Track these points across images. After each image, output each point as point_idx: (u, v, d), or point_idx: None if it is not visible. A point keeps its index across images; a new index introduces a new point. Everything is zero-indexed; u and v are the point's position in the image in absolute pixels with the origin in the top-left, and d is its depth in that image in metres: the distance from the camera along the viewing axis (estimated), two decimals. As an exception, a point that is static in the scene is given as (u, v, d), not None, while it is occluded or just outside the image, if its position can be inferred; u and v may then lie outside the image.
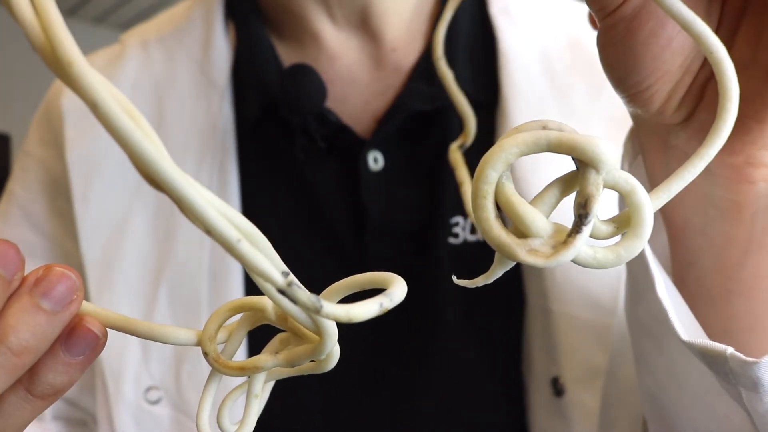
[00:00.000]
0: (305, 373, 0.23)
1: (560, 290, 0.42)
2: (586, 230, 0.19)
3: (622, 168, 0.32)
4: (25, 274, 0.21)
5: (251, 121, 0.47)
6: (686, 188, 0.28)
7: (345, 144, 0.45)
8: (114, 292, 0.45)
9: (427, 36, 0.48)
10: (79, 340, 0.21)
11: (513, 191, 0.19)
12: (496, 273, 0.20)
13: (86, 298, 0.46)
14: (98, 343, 0.22)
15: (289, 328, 0.21)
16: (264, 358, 0.21)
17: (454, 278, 0.21)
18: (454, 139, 0.45)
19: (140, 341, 0.44)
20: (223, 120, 0.47)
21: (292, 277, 0.17)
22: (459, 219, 0.45)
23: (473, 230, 0.45)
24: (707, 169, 0.27)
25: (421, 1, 0.49)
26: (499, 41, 0.47)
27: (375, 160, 0.45)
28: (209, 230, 0.15)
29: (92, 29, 3.14)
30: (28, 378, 0.21)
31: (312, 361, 0.21)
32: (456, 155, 0.42)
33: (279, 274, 0.16)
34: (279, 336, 0.22)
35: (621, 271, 0.45)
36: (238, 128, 0.47)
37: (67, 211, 0.48)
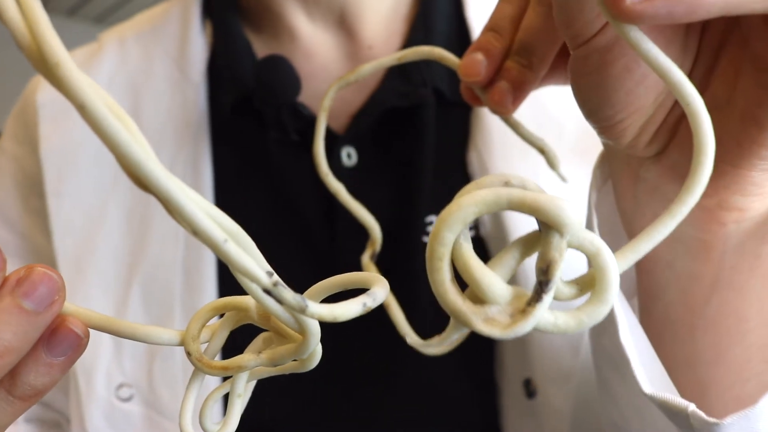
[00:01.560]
0: (288, 372, 0.23)
1: None
2: (547, 298, 0.18)
3: (590, 195, 0.31)
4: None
5: (225, 113, 0.47)
6: (654, 217, 0.28)
7: None
8: (87, 287, 0.45)
9: (404, 35, 0.48)
10: (61, 340, 0.21)
11: (470, 253, 0.18)
12: (450, 337, 0.20)
13: None
14: (80, 343, 0.22)
15: (272, 327, 0.21)
16: (247, 357, 0.21)
17: (407, 339, 0.20)
18: (429, 136, 0.45)
19: (112, 337, 0.44)
20: (197, 113, 0.47)
21: (276, 277, 0.17)
22: (433, 218, 0.45)
23: None
24: None
25: (399, 2, 0.49)
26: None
27: (348, 156, 0.45)
28: (196, 231, 0.16)
29: (92, 29, 3.10)
30: (9, 379, 0.21)
31: (294, 360, 0.22)
32: (371, 271, 0.40)
33: (264, 274, 0.17)
34: (261, 335, 0.22)
35: None
36: (212, 121, 0.48)
37: (41, 209, 0.48)
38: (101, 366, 0.44)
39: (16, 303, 0.20)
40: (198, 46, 0.49)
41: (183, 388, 0.43)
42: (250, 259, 0.16)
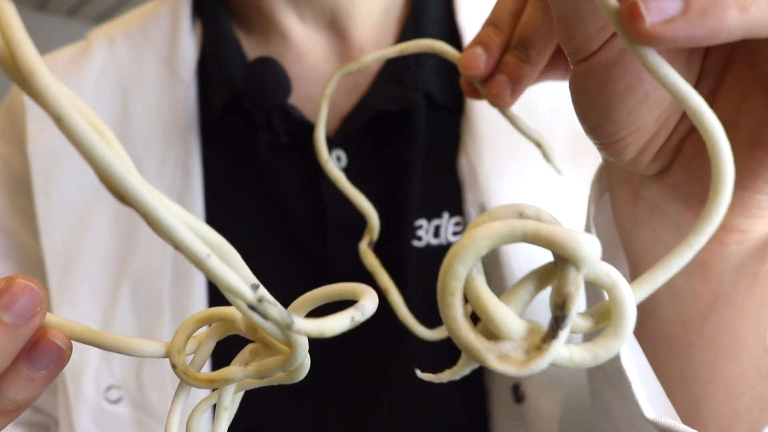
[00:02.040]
0: (275, 384, 0.22)
1: None
2: (563, 334, 0.17)
3: (589, 209, 0.31)
4: None
5: (215, 114, 0.47)
6: (652, 236, 0.28)
7: (308, 140, 0.45)
8: (75, 288, 0.44)
9: (395, 38, 0.48)
10: (42, 353, 0.21)
11: (483, 287, 0.18)
12: (463, 371, 0.19)
13: (45, 290, 0.45)
14: (62, 356, 0.21)
15: (259, 339, 0.21)
16: (234, 369, 0.21)
17: (418, 372, 0.20)
18: (419, 140, 0.45)
19: None
20: (187, 114, 0.47)
21: (262, 290, 0.17)
22: (423, 222, 0.45)
23: (437, 234, 0.45)
24: (677, 226, 0.27)
25: (390, 4, 0.49)
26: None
27: (338, 159, 0.45)
28: (178, 246, 0.15)
29: (92, 29, 3.08)
30: None
31: (282, 371, 0.21)
32: (369, 257, 0.39)
33: (249, 289, 0.16)
34: (248, 347, 0.22)
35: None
36: (202, 122, 0.47)
37: (28, 209, 0.47)
38: (90, 368, 0.43)
39: None
40: (188, 45, 0.48)
41: (172, 390, 0.42)
42: (234, 275, 0.16)
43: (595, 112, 0.25)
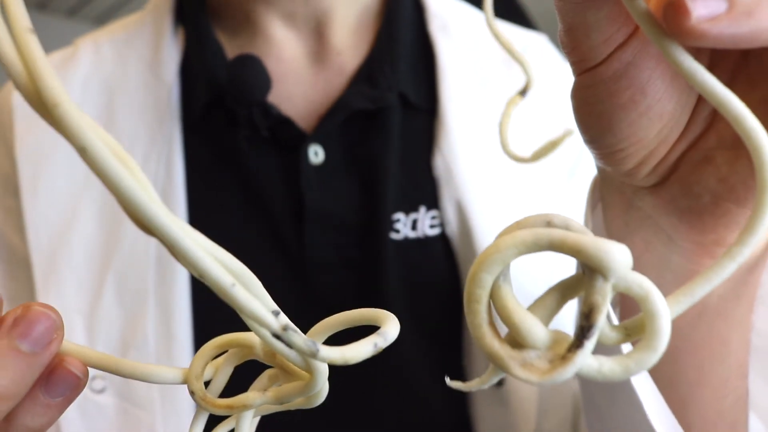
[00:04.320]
0: (293, 408, 0.22)
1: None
2: (589, 345, 0.17)
3: (585, 220, 0.31)
4: None
5: (198, 112, 0.48)
6: (644, 246, 0.28)
7: (287, 136, 0.47)
8: (61, 281, 0.45)
9: (371, 43, 0.51)
10: (59, 381, 0.21)
11: (509, 296, 0.18)
12: (491, 380, 0.19)
13: (32, 289, 0.46)
14: (79, 384, 0.21)
15: (278, 364, 0.21)
16: (252, 395, 0.21)
17: (447, 380, 0.20)
18: (394, 138, 0.47)
19: (86, 328, 0.44)
20: (170, 113, 0.48)
21: (284, 318, 0.17)
22: (400, 216, 0.46)
23: (414, 227, 0.46)
24: (669, 238, 0.27)
25: (366, 14, 0.51)
26: (437, 55, 0.50)
27: (315, 154, 0.47)
28: (203, 275, 0.15)
29: (93, 30, 3.09)
30: (5, 421, 0.21)
31: (301, 397, 0.21)
32: (513, 101, 0.39)
33: (273, 317, 0.16)
34: (267, 372, 0.22)
35: (555, 270, 0.47)
36: (184, 120, 0.49)
37: (15, 208, 0.48)
38: None
39: (13, 345, 0.19)
40: (171, 49, 0.50)
41: None
42: (258, 304, 0.15)
43: (596, 123, 0.25)
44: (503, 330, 0.18)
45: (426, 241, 0.46)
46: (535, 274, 0.44)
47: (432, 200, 0.47)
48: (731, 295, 0.27)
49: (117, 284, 0.45)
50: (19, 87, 0.16)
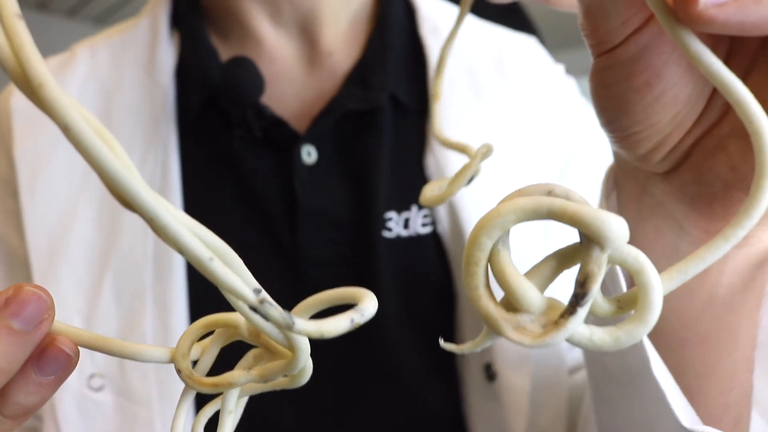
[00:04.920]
0: (279, 388, 0.23)
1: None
2: (582, 312, 0.17)
3: (600, 204, 0.31)
4: None
5: (192, 113, 0.49)
6: (655, 233, 0.28)
7: (280, 136, 0.48)
8: (59, 281, 0.46)
9: (363, 45, 0.51)
10: (50, 360, 0.21)
11: (507, 260, 0.18)
12: (484, 343, 0.19)
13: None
14: (70, 362, 0.22)
15: (262, 344, 0.21)
16: (237, 374, 0.21)
17: (441, 342, 0.20)
18: (386, 137, 0.48)
19: (84, 327, 0.45)
20: (165, 115, 0.49)
21: (264, 294, 0.17)
22: (392, 214, 0.47)
23: (406, 225, 0.47)
24: (680, 226, 0.27)
25: (357, 17, 0.52)
26: (428, 57, 0.51)
27: (308, 154, 0.48)
28: (181, 250, 0.16)
29: (93, 30, 3.12)
30: None
31: (285, 376, 0.22)
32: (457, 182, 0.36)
33: (251, 292, 0.17)
34: (252, 352, 0.22)
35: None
36: (180, 121, 0.50)
37: (14, 209, 0.49)
38: None
39: (5, 323, 0.20)
40: (166, 52, 0.51)
41: (154, 374, 0.44)
42: (236, 277, 0.16)
43: (612, 106, 0.25)
44: (499, 295, 0.19)
45: (418, 239, 0.47)
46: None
47: None
48: (740, 288, 0.28)
49: (115, 283, 0.46)
50: (6, 69, 0.16)
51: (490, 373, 0.45)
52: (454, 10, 0.56)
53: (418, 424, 0.46)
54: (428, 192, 0.34)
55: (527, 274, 0.19)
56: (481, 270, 0.18)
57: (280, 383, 0.22)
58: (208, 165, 0.49)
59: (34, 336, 0.21)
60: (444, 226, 0.47)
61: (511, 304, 0.18)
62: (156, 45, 0.51)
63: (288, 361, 0.20)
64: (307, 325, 0.17)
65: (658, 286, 0.17)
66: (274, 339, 0.19)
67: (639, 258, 0.17)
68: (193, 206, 0.48)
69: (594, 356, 0.34)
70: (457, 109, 0.50)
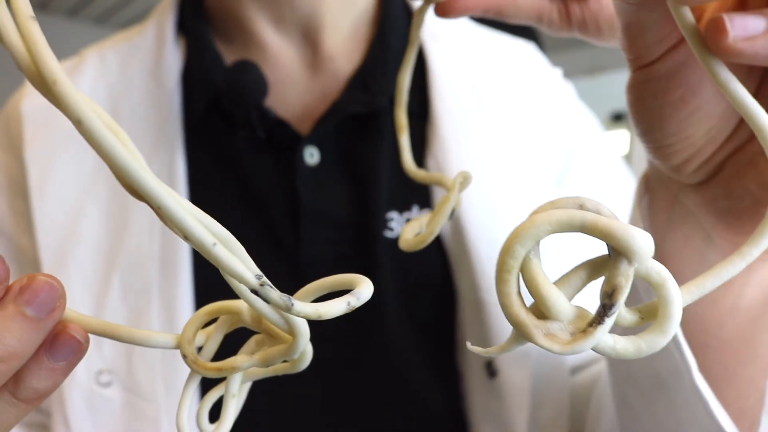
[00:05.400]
0: (281, 374, 0.24)
1: (490, 282, 0.46)
2: (609, 321, 0.18)
3: (633, 210, 0.32)
4: None
5: (198, 117, 0.50)
6: (684, 240, 0.29)
7: (283, 138, 0.49)
8: (68, 279, 0.47)
9: (364, 51, 0.52)
10: (62, 346, 0.22)
11: (539, 269, 0.19)
12: (511, 347, 0.20)
13: None
14: (81, 348, 0.23)
15: (264, 330, 0.22)
16: (240, 359, 0.22)
17: (468, 344, 0.21)
18: (387, 140, 0.49)
19: None
20: (172, 118, 0.50)
21: (264, 279, 0.18)
22: (394, 214, 0.48)
23: None
24: (708, 236, 0.28)
25: (359, 22, 0.53)
26: (428, 62, 0.52)
27: (311, 155, 0.49)
28: (187, 235, 0.17)
29: (93, 30, 3.14)
30: (13, 383, 0.22)
31: (286, 361, 0.23)
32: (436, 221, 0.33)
33: (252, 276, 0.18)
34: (254, 338, 0.23)
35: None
36: (186, 123, 0.51)
37: (23, 210, 0.50)
38: None
39: (19, 310, 0.21)
40: (172, 58, 0.52)
41: (161, 369, 0.45)
42: (238, 261, 0.17)
43: (647, 118, 0.26)
44: (528, 302, 0.20)
45: (420, 239, 0.48)
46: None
47: (425, 200, 0.49)
48: (762, 300, 0.28)
49: (122, 282, 0.47)
50: (22, 68, 0.17)
51: (491, 370, 0.45)
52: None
53: (419, 422, 0.47)
54: (408, 233, 0.33)
55: (557, 283, 0.20)
56: (513, 277, 0.19)
57: (281, 368, 0.23)
58: (213, 166, 0.50)
59: (46, 323, 0.22)
60: (445, 227, 0.48)
61: (540, 311, 0.19)
62: (162, 50, 0.52)
63: (288, 345, 0.21)
64: (306, 307, 0.18)
65: (678, 299, 0.18)
66: (275, 324, 0.20)
67: (662, 273, 0.18)
68: (197, 205, 0.49)
69: (618, 362, 0.35)
70: (458, 116, 0.51)
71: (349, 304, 0.19)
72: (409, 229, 0.33)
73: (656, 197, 0.31)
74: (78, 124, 0.16)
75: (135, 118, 0.51)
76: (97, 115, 0.17)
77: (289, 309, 0.17)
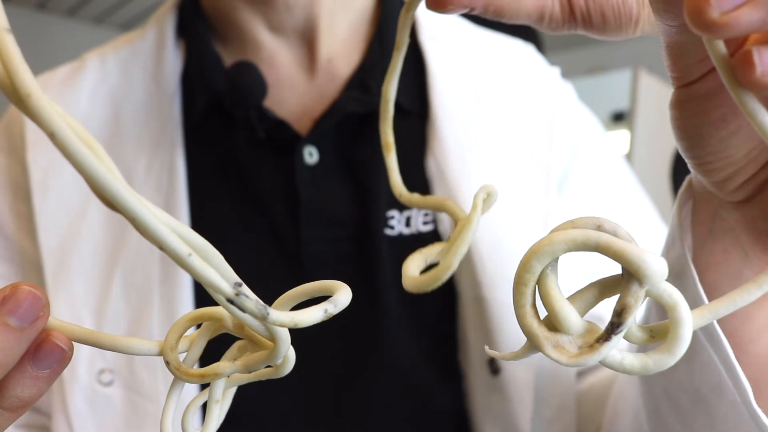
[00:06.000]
0: (264, 378, 0.24)
1: (491, 280, 0.45)
2: (616, 339, 0.19)
3: (673, 217, 0.32)
4: None
5: (198, 118, 0.50)
6: (723, 254, 0.30)
7: (283, 138, 0.49)
8: (70, 279, 0.48)
9: (363, 51, 0.53)
10: (46, 354, 0.22)
11: (554, 285, 0.20)
12: (525, 355, 0.21)
13: (42, 285, 0.48)
14: (64, 356, 0.23)
15: (246, 335, 0.22)
16: (223, 365, 0.22)
17: (487, 348, 0.21)
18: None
19: (94, 323, 0.47)
20: (172, 120, 0.51)
21: (243, 287, 0.18)
22: (394, 213, 0.48)
23: (408, 223, 0.48)
24: (746, 253, 0.29)
25: (358, 20, 0.53)
26: (427, 63, 0.52)
27: (310, 155, 0.49)
28: (162, 246, 0.17)
29: (92, 30, 3.14)
30: None
31: (269, 366, 0.23)
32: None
33: (227, 285, 0.18)
34: (237, 344, 0.23)
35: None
36: (186, 125, 0.51)
37: (25, 213, 0.51)
38: (83, 352, 0.46)
39: (2, 320, 0.21)
40: (172, 61, 0.53)
41: (162, 369, 0.45)
42: (213, 272, 0.17)
43: (689, 136, 0.26)
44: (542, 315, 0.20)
45: (419, 237, 0.48)
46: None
47: None
48: None
49: (123, 283, 0.47)
50: (-4, 80, 0.17)
51: (494, 367, 0.46)
52: (452, 17, 0.57)
53: (422, 420, 0.47)
54: (410, 270, 0.26)
55: (570, 299, 0.20)
56: (529, 291, 0.20)
57: (265, 373, 0.23)
58: (213, 167, 0.50)
59: (29, 332, 0.22)
60: (445, 226, 0.48)
61: (552, 324, 0.20)
62: (163, 53, 0.53)
63: (270, 351, 0.21)
64: (282, 316, 0.18)
65: (689, 322, 0.19)
66: (256, 330, 0.21)
67: (673, 295, 0.19)
68: (199, 207, 0.49)
69: (653, 376, 0.35)
70: (458, 115, 0.51)
71: (326, 311, 0.19)
72: (413, 265, 0.27)
73: (699, 209, 0.31)
74: (52, 136, 0.16)
75: (136, 120, 0.51)
76: (71, 127, 0.17)
77: (264, 318, 0.17)
